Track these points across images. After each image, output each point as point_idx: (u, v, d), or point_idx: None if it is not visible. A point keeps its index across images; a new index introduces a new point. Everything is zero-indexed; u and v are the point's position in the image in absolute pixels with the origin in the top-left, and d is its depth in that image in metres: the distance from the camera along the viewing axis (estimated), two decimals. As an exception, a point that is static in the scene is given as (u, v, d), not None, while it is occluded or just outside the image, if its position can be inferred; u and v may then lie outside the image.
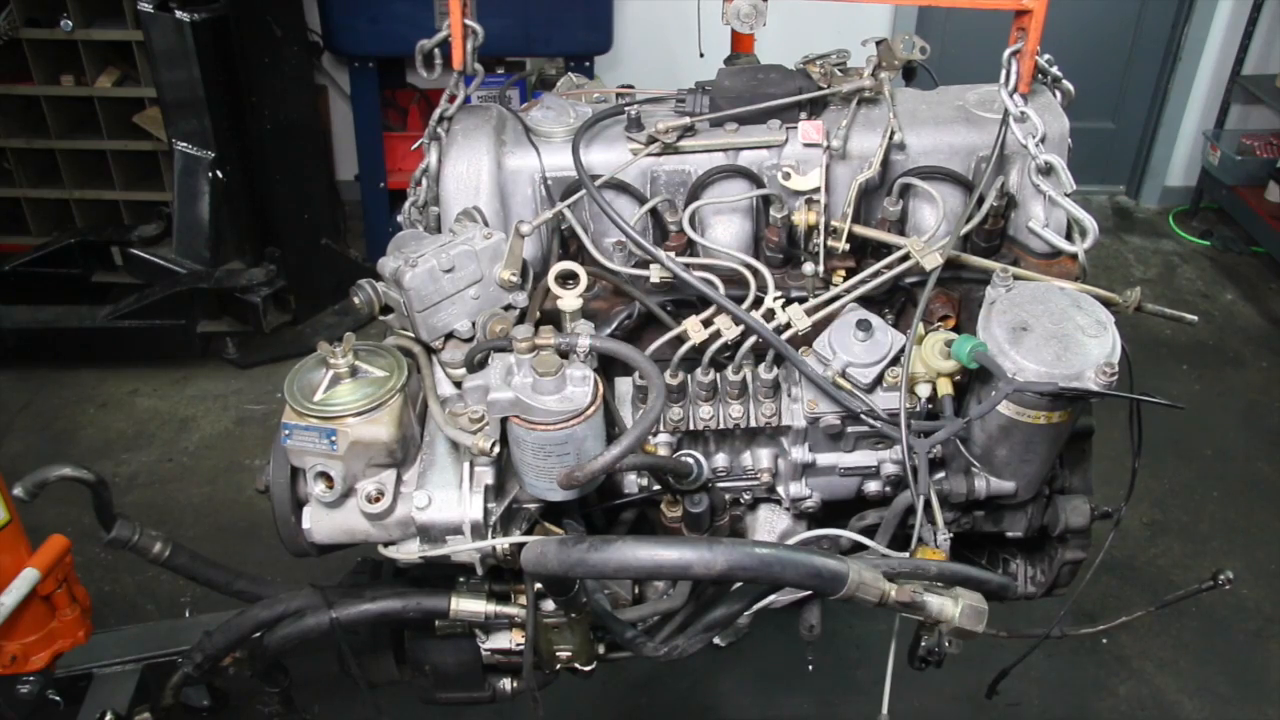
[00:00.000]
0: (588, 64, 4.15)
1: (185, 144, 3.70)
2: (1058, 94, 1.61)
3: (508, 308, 1.40)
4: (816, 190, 1.47)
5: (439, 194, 1.53)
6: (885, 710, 1.39)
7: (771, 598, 1.51)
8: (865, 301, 1.45)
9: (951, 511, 1.50)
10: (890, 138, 1.50)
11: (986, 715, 2.72)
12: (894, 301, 1.53)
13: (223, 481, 3.44)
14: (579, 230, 1.50)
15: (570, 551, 1.16)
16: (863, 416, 1.39)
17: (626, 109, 1.56)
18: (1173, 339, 4.19)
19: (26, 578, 1.66)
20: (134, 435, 3.66)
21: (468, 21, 1.57)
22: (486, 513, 1.28)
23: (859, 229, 1.49)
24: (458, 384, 1.37)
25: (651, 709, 2.75)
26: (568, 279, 1.36)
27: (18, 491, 1.48)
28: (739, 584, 1.44)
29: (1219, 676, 2.87)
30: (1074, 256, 1.52)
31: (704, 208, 1.53)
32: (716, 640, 1.62)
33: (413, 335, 1.39)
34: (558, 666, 1.57)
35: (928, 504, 1.33)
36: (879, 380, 1.40)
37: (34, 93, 4.11)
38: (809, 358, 1.41)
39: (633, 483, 1.51)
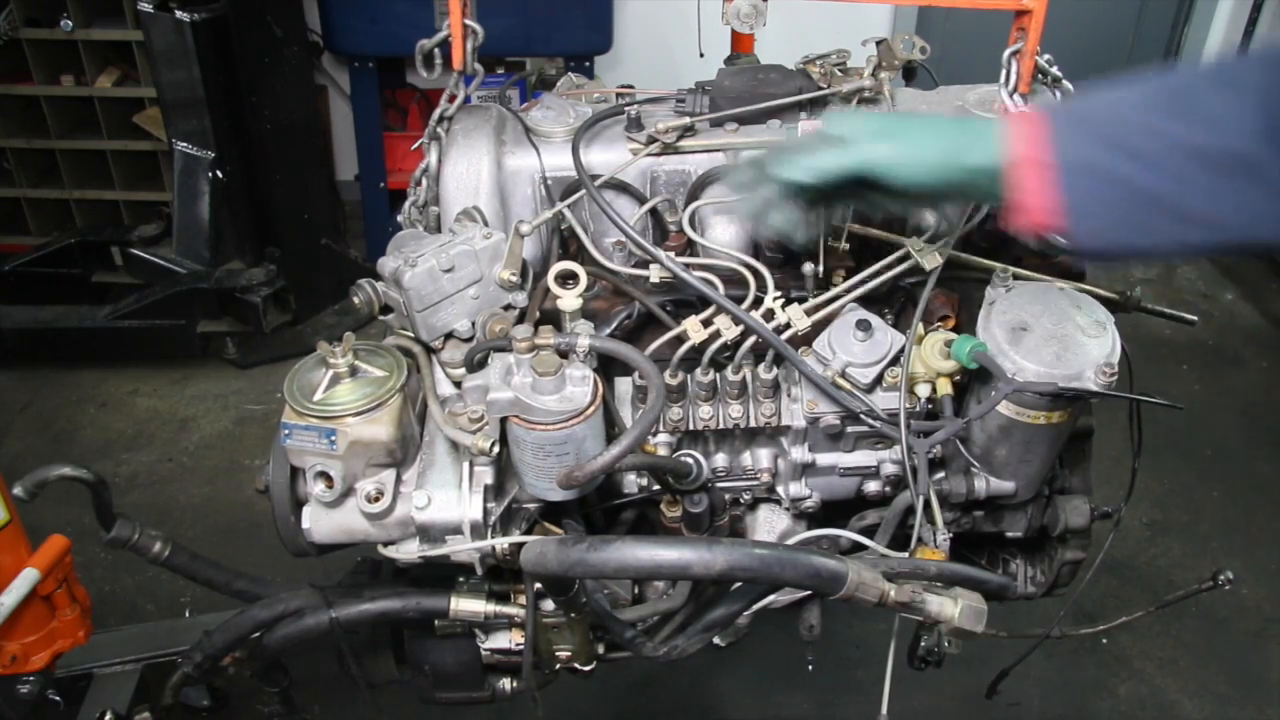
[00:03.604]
0: (588, 64, 4.15)
1: (185, 144, 3.70)
2: (1058, 94, 1.61)
3: (507, 308, 1.40)
4: (816, 190, 1.47)
5: (439, 194, 1.53)
6: (885, 710, 1.38)
7: (771, 598, 1.51)
8: (865, 301, 1.45)
9: (951, 511, 1.50)
10: (890, 137, 1.49)
11: (986, 715, 2.72)
12: (894, 301, 1.53)
13: (223, 481, 3.44)
14: (579, 230, 1.50)
15: (569, 551, 1.16)
16: (862, 416, 1.39)
17: (626, 109, 1.56)
18: (1173, 339, 4.19)
19: (26, 578, 1.65)
20: (134, 435, 3.66)
21: (468, 21, 1.57)
22: (486, 513, 1.28)
23: (859, 228, 1.49)
24: (458, 384, 1.37)
25: (651, 709, 2.75)
26: (567, 279, 1.36)
27: (18, 491, 1.47)
28: (738, 584, 1.44)
29: (1219, 676, 2.86)
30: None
31: (704, 208, 1.53)
32: (716, 640, 1.62)
33: (413, 335, 1.39)
34: (557, 666, 1.57)
35: (927, 504, 1.33)
36: (879, 380, 1.40)
37: (34, 93, 4.11)
38: (809, 358, 1.41)
39: (632, 483, 1.51)
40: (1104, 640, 2.94)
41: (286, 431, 1.27)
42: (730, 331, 1.38)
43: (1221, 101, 1.01)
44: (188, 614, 2.84)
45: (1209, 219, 1.02)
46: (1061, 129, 1.05)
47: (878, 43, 1.61)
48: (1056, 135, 1.05)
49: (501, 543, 1.29)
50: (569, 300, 1.32)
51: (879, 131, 1.15)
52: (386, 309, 1.39)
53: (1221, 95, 1.01)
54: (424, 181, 1.57)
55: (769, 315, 1.40)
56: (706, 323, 1.40)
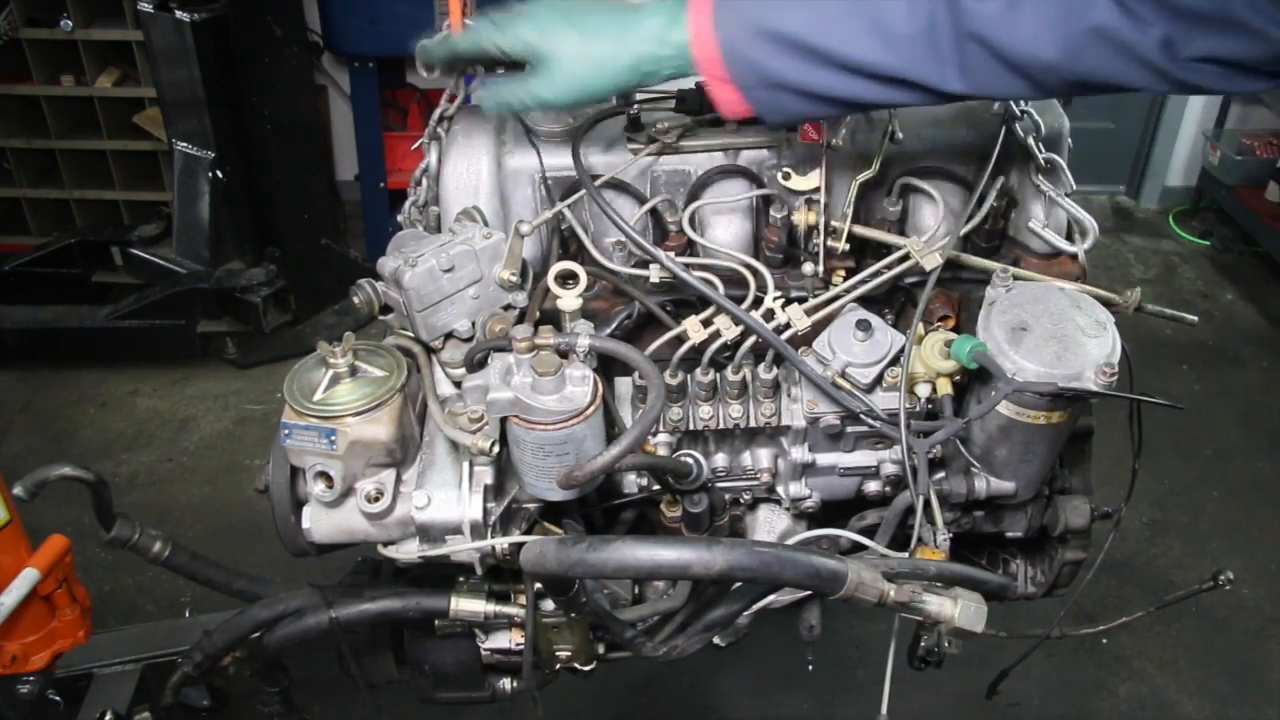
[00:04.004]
0: (588, 64, 4.14)
1: (185, 144, 3.70)
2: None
3: (507, 308, 1.40)
4: (816, 190, 1.47)
5: (439, 194, 1.53)
6: (884, 710, 1.38)
7: (771, 598, 1.51)
8: (865, 301, 1.45)
9: (951, 511, 1.50)
10: (890, 137, 1.50)
11: (986, 715, 2.72)
12: (894, 301, 1.53)
13: (223, 481, 3.45)
14: (579, 230, 1.50)
15: (569, 551, 1.16)
16: (862, 416, 1.39)
17: (626, 109, 1.56)
18: (1173, 339, 4.19)
19: (26, 578, 1.65)
20: (134, 435, 3.66)
21: (468, 21, 1.57)
22: (486, 512, 1.28)
23: (859, 229, 1.49)
24: (457, 384, 1.37)
25: (651, 709, 2.75)
26: (567, 279, 1.36)
27: (18, 491, 1.47)
28: (738, 584, 1.44)
29: (1219, 676, 2.87)
30: (1074, 256, 1.52)
31: (704, 208, 1.53)
32: (716, 640, 1.62)
33: (412, 335, 1.39)
34: (557, 666, 1.57)
35: (927, 504, 1.33)
36: (879, 380, 1.40)
37: (34, 93, 4.11)
38: (809, 358, 1.41)
39: (632, 483, 1.51)
40: (1104, 640, 2.94)
41: (286, 431, 1.27)
42: (730, 331, 1.38)
43: (895, 11, 1.10)
44: (188, 614, 2.84)
45: (886, 107, 1.27)
46: (739, 49, 1.16)
47: (878, 43, 1.60)
48: (733, 55, 1.16)
49: (501, 543, 1.29)
50: (569, 300, 1.32)
51: (568, 77, 1.22)
52: (386, 309, 1.39)
53: (897, 3, 1.11)
54: (424, 181, 1.57)
55: (769, 315, 1.40)
56: (706, 323, 1.40)
